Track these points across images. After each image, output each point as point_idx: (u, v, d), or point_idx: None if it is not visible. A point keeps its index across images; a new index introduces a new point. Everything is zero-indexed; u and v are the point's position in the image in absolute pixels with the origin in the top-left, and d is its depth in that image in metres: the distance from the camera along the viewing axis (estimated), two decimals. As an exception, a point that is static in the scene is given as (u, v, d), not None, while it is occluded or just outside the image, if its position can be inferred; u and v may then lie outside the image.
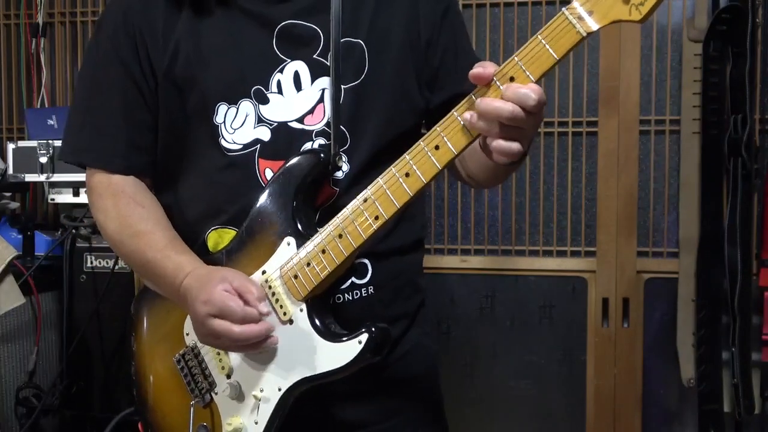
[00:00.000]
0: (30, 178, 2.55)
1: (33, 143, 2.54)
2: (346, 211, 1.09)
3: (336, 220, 1.10)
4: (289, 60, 1.19)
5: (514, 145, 0.97)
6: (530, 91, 0.95)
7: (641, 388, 2.51)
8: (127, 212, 1.23)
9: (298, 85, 1.20)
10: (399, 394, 1.29)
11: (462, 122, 1.00)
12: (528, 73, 0.96)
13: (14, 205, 2.78)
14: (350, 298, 1.20)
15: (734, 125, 2.25)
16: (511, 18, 2.57)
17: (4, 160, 2.60)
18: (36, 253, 2.60)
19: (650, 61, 2.48)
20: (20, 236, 2.61)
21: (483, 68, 0.98)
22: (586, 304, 2.54)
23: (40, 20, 2.89)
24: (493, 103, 0.96)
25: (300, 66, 1.20)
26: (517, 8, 2.57)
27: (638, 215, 2.50)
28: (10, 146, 2.57)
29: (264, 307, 1.09)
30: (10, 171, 2.55)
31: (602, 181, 2.51)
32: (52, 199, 2.61)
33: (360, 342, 1.07)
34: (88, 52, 1.34)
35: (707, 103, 2.31)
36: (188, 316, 1.20)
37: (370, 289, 1.21)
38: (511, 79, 0.97)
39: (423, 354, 1.35)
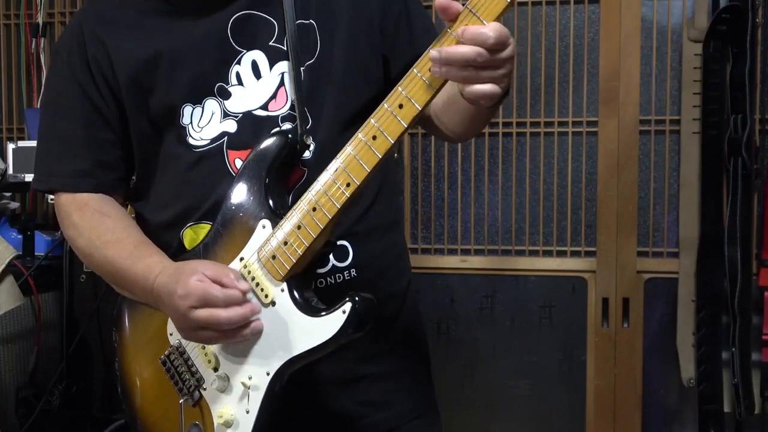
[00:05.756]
0: (30, 178, 2.54)
1: (33, 143, 2.53)
2: (317, 185, 1.09)
3: (308, 195, 1.09)
4: (245, 51, 1.21)
5: (488, 87, 0.98)
6: (486, 30, 0.95)
7: (641, 388, 2.51)
8: (94, 224, 1.24)
9: (257, 74, 1.21)
10: (394, 382, 1.29)
11: (423, 78, 1.00)
12: (482, 20, 0.97)
13: (14, 205, 2.78)
14: (332, 281, 1.20)
15: (734, 125, 2.25)
16: (511, 18, 2.57)
17: (4, 160, 2.60)
18: (36, 253, 2.60)
19: (650, 61, 2.48)
20: (20, 236, 2.61)
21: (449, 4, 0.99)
22: (586, 304, 2.53)
23: (40, 20, 2.89)
24: (455, 49, 0.97)
25: (257, 55, 1.21)
26: (517, 8, 2.57)
27: (638, 215, 2.50)
28: (10, 146, 2.56)
29: (243, 284, 1.09)
30: (10, 171, 2.55)
31: (602, 181, 2.51)
32: (52, 200, 2.60)
33: (344, 312, 1.05)
34: (47, 79, 1.37)
35: (707, 103, 2.32)
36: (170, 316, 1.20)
37: (353, 272, 1.21)
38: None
39: (417, 339, 1.36)
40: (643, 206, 2.51)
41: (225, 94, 1.21)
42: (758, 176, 2.27)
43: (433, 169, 2.66)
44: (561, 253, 2.57)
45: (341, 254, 1.21)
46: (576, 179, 2.56)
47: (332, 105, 1.21)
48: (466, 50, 0.96)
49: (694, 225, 2.39)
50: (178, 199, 1.24)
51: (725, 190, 2.30)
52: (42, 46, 2.92)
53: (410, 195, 2.66)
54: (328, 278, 1.20)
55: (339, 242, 1.18)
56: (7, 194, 2.75)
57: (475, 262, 2.62)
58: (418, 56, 1.03)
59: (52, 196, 2.61)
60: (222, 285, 1.08)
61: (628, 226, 2.49)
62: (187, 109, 1.22)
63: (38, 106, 2.91)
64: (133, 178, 1.33)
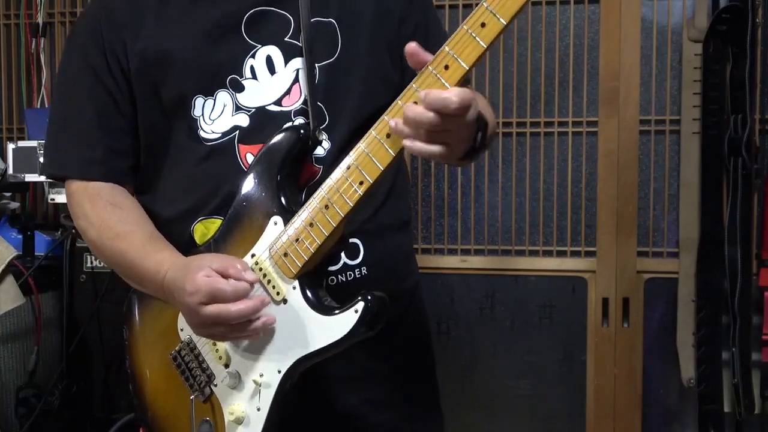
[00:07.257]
0: (30, 178, 2.55)
1: (33, 143, 2.54)
2: (329, 182, 1.08)
3: (320, 192, 1.09)
4: (260, 45, 1.20)
5: (434, 148, 0.98)
6: (450, 96, 0.95)
7: (641, 388, 2.51)
8: (105, 215, 1.23)
9: (271, 69, 1.20)
10: (399, 381, 1.29)
11: (438, 76, 1.00)
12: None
13: (14, 205, 2.78)
14: (344, 279, 1.20)
15: (734, 125, 2.25)
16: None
17: (4, 160, 2.59)
18: (36, 253, 2.60)
19: (650, 61, 2.48)
20: (20, 236, 2.61)
21: (420, 53, 1.00)
22: (586, 304, 2.53)
23: (40, 20, 2.89)
24: (414, 109, 0.97)
25: (272, 50, 1.20)
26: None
27: (638, 215, 2.50)
28: (10, 146, 2.56)
29: (250, 275, 1.09)
30: (10, 171, 2.55)
31: (602, 181, 2.51)
32: (52, 199, 2.60)
33: (356, 311, 1.06)
34: (60, 66, 1.35)
35: (707, 103, 2.31)
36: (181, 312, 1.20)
37: (363, 270, 1.21)
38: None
39: (423, 339, 1.36)
40: (643, 206, 2.51)
41: (238, 87, 1.20)
42: (758, 176, 2.27)
43: (433, 169, 2.66)
44: (561, 253, 2.57)
45: (352, 252, 1.21)
46: (576, 179, 2.56)
47: (352, 105, 1.21)
48: (422, 114, 0.96)
49: (694, 225, 2.39)
50: (188, 192, 1.23)
51: (725, 190, 2.30)
52: (42, 46, 2.92)
53: (410, 195, 2.66)
54: (339, 276, 1.20)
55: (351, 240, 1.18)
56: (7, 194, 2.75)
57: (475, 262, 2.62)
58: None
59: (52, 196, 2.63)
60: (229, 276, 1.07)
61: (628, 226, 2.49)
62: (199, 101, 1.21)
63: (38, 106, 2.92)
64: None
